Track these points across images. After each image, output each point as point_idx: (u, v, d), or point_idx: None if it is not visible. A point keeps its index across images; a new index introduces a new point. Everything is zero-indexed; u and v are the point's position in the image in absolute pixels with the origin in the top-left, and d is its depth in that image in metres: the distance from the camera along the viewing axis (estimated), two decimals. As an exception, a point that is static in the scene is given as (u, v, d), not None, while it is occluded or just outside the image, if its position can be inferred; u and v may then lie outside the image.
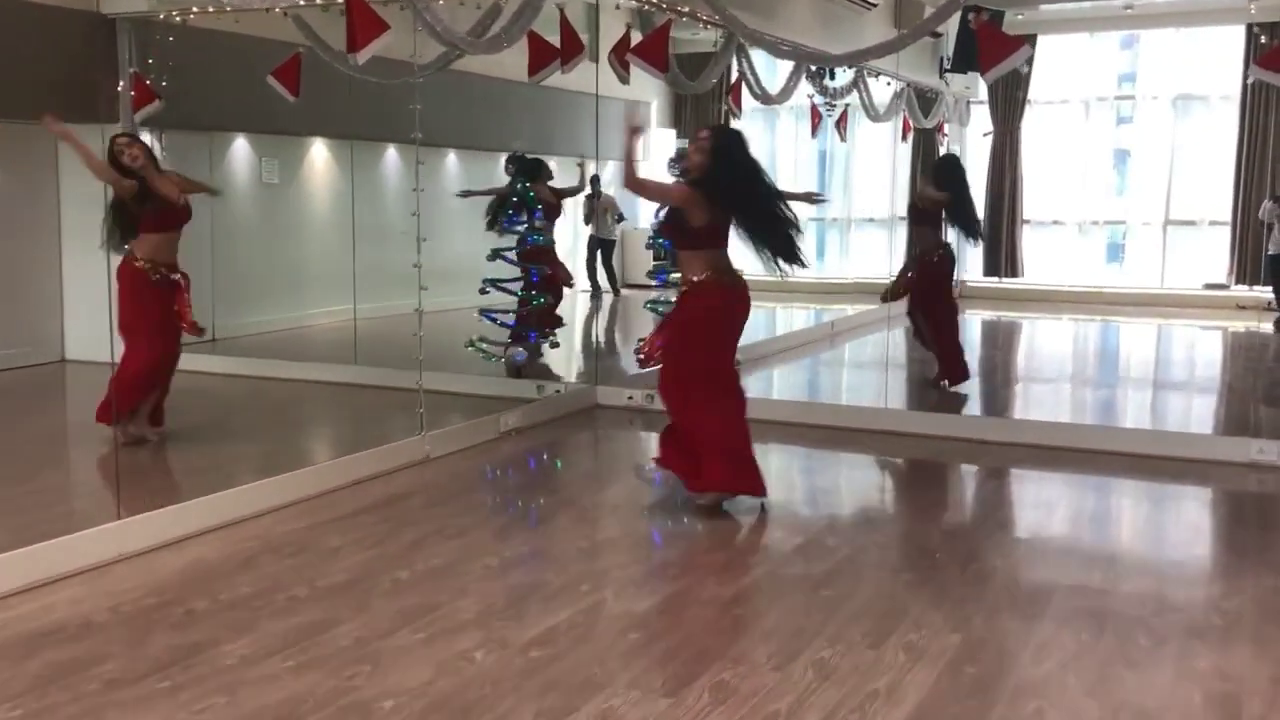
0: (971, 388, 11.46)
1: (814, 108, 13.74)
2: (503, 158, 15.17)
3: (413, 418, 8.11)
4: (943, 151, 18.14)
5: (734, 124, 12.44)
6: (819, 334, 14.21)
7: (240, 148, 13.16)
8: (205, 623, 5.01)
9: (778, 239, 6.42)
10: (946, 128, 18.19)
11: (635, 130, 6.60)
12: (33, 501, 6.82)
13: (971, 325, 17.26)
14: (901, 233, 18.38)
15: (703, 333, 6.56)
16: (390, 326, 12.77)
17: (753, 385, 10.98)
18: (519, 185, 10.14)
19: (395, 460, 7.65)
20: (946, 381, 10.43)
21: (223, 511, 6.44)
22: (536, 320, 10.48)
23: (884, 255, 19.04)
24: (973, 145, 19.44)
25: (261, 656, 4.65)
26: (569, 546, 6.13)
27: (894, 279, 10.77)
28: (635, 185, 6.54)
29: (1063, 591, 5.45)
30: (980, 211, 18.80)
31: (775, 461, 8.45)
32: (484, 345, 10.11)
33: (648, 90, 15.08)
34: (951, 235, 10.97)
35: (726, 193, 6.36)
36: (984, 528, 6.60)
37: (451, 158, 15.54)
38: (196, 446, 8.07)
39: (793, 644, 4.77)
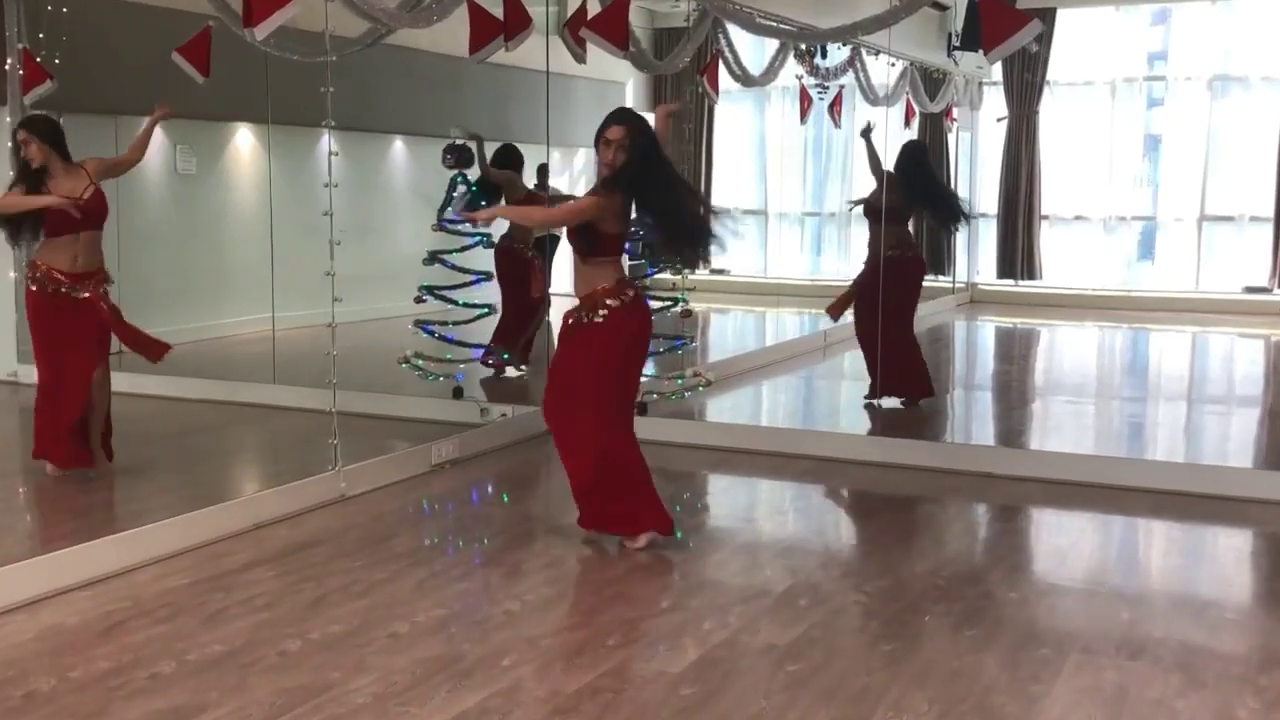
0: (981, 408, 11.11)
1: (803, 90, 13.40)
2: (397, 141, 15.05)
3: (324, 448, 7.71)
4: (951, 139, 17.91)
5: (730, 110, 12.06)
6: (810, 345, 13.83)
7: (157, 137, 12.73)
8: (44, 710, 4.60)
9: (685, 224, 6.40)
10: (956, 112, 17.91)
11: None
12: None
13: (983, 333, 16.97)
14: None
15: (627, 357, 6.50)
16: (319, 338, 12.42)
17: (730, 407, 10.64)
18: (455, 178, 9.75)
19: (304, 500, 7.26)
20: (906, 400, 10.13)
21: (92, 565, 6.05)
22: (503, 337, 10.21)
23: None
24: (985, 132, 19.21)
25: (107, 753, 4.25)
26: (494, 609, 5.74)
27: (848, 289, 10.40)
28: (543, 222, 6.28)
29: (1074, 664, 5.07)
30: (994, 206, 18.75)
31: (746, 498, 8.10)
32: (419, 362, 9.71)
33: (619, 70, 14.72)
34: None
35: (639, 183, 6.28)
36: (985, 580, 6.22)
37: (398, 144, 15.19)
38: (71, 484, 7.65)
39: (747, 736, 4.38)
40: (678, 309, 9.47)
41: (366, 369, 10.93)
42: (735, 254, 18.75)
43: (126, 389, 10.45)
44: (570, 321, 6.46)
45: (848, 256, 19.07)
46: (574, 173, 16.23)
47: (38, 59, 10.86)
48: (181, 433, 9.45)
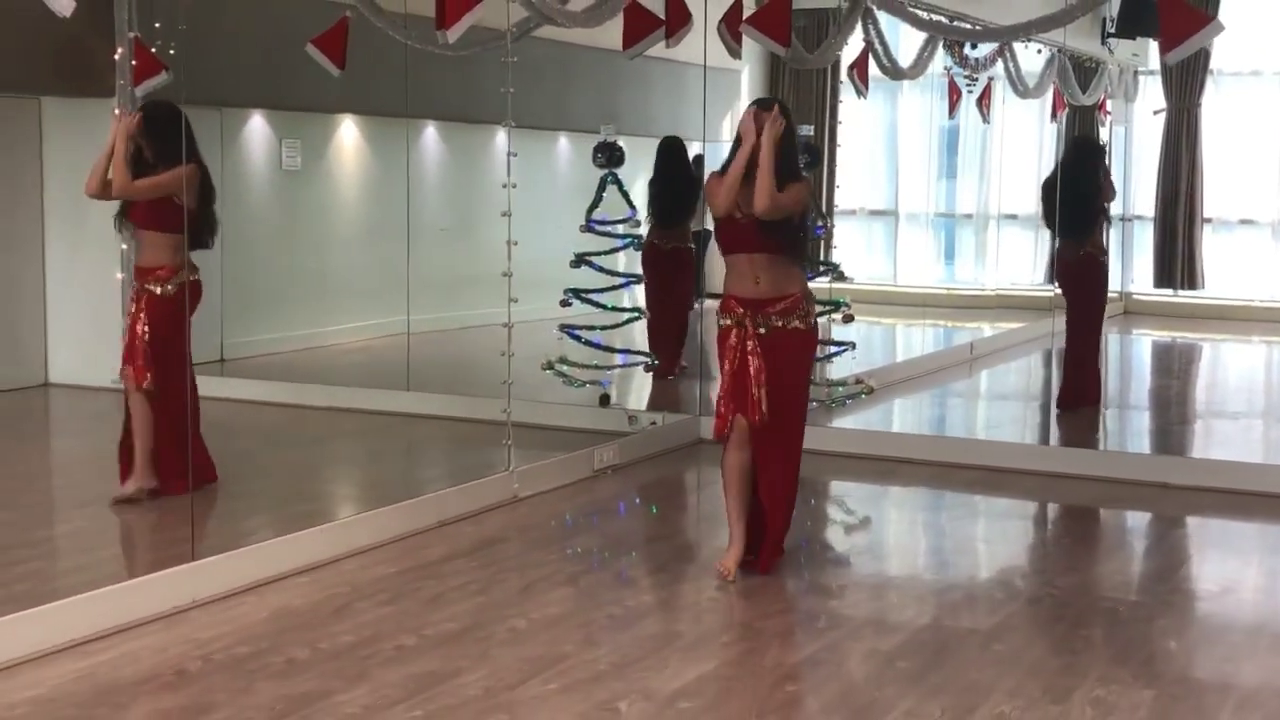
0: (1140, 424, 12.22)
1: (952, 82, 14.43)
2: (561, 138, 16.20)
3: (488, 452, 8.96)
4: (1104, 135, 18.69)
5: (858, 104, 13.18)
6: (955, 358, 14.95)
7: (256, 127, 13.93)
8: (310, 671, 5.85)
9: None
10: (1110, 104, 18.66)
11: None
12: (73, 544, 7.74)
13: (1139, 347, 17.93)
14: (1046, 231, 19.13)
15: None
16: (438, 344, 13.69)
17: (884, 418, 11.81)
18: (605, 177, 10.91)
19: (482, 499, 8.49)
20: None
21: (303, 554, 7.30)
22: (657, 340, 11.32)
23: (1029, 262, 19.69)
24: (1141, 126, 19.85)
25: (384, 706, 5.49)
26: (700, 596, 6.97)
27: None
28: (774, 204, 7.10)
29: (1267, 645, 6.24)
30: (1151, 208, 19.50)
31: (918, 505, 9.27)
32: (564, 368, 10.89)
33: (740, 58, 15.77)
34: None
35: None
36: (1166, 583, 7.38)
37: (500, 138, 16.31)
38: (245, 482, 8.91)
39: (967, 699, 5.57)
40: (839, 314, 10.66)
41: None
42: (860, 258, 19.70)
43: (235, 395, 11.68)
44: (760, 330, 7.18)
45: (983, 263, 19.91)
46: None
47: (152, 49, 11.90)
48: (324, 438, 10.70)
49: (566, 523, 8.43)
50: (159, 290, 8.36)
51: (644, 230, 11.24)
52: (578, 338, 11.00)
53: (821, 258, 11.42)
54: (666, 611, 6.79)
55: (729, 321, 7.24)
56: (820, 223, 11.10)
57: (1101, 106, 18.26)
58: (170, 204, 8.30)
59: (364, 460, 10.21)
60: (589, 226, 10.99)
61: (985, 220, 19.74)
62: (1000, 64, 15.28)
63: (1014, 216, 19.71)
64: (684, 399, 11.57)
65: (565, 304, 10.97)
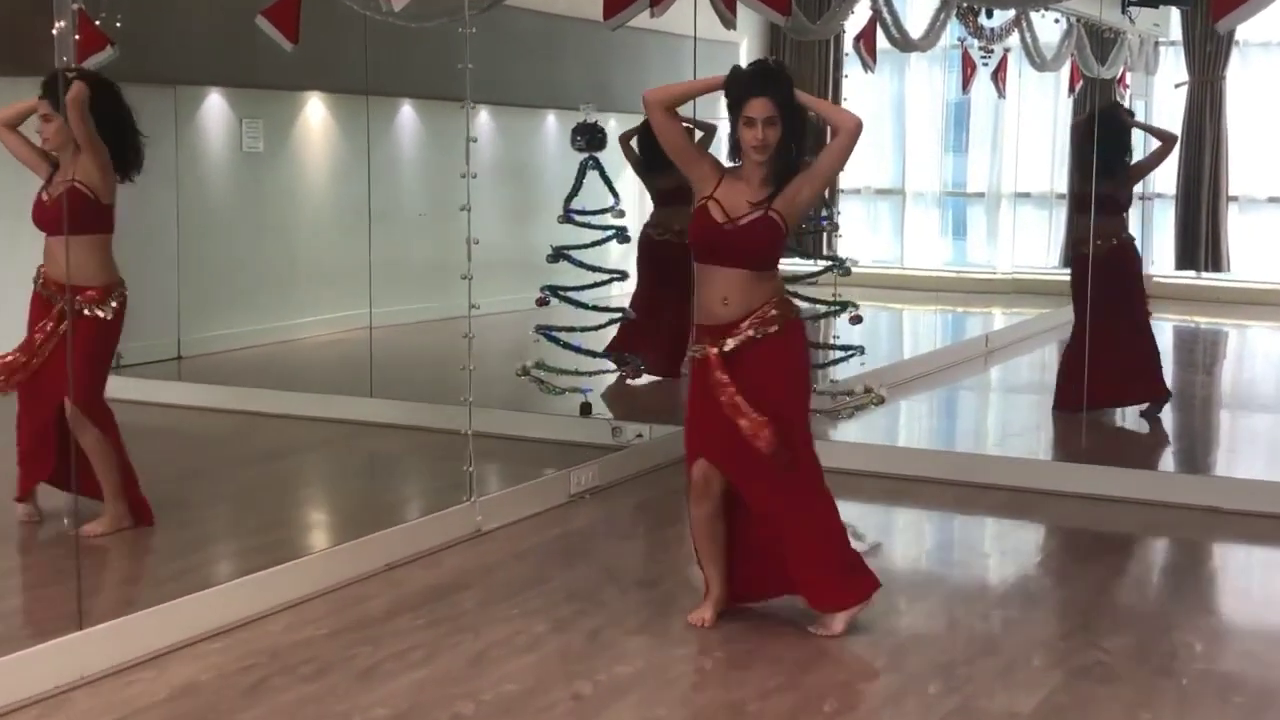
0: (1172, 426, 11.12)
1: (966, 55, 13.44)
2: (550, 117, 15.18)
3: (452, 472, 7.85)
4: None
5: (864, 78, 12.11)
6: (969, 352, 13.85)
7: (214, 106, 13.01)
8: (206, 780, 4.74)
9: None
10: (1130, 78, 17.75)
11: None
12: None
13: (1160, 334, 16.84)
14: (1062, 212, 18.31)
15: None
16: (411, 340, 12.65)
17: (894, 427, 10.71)
18: (585, 162, 9.86)
19: (438, 536, 7.39)
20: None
21: (221, 613, 6.19)
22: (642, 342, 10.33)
23: (1043, 244, 18.79)
24: (1162, 100, 18.98)
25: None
26: (685, 666, 5.85)
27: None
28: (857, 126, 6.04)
29: None
30: (1173, 186, 18.56)
31: (939, 536, 8.20)
32: (541, 374, 9.83)
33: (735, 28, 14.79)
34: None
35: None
36: (1242, 638, 6.27)
37: (484, 116, 15.33)
38: (169, 517, 7.79)
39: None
40: (847, 314, 9.55)
41: (478, 378, 11.10)
42: (865, 241, 18.79)
43: (190, 401, 10.68)
44: (727, 349, 6.06)
45: (996, 245, 19.05)
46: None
47: (96, 22, 10.95)
48: (275, 455, 9.61)
49: (535, 564, 7.28)
50: (96, 313, 7.24)
51: (625, 221, 10.07)
52: (556, 340, 9.91)
53: (825, 250, 10.19)
54: (646, 688, 5.63)
55: (693, 354, 6.22)
56: (825, 212, 9.96)
57: (1120, 80, 17.45)
58: (85, 199, 7.14)
59: (309, 487, 9.05)
60: (567, 217, 9.92)
61: (997, 199, 19.11)
62: (1017, 35, 14.30)
63: (1027, 195, 19.10)
64: (675, 408, 10.35)
65: (543, 302, 9.91)
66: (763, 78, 5.99)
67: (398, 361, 11.61)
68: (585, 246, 9.92)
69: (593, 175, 9.91)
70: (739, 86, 5.99)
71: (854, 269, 10.03)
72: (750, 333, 6.02)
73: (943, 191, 19.52)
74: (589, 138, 9.84)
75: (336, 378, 11.52)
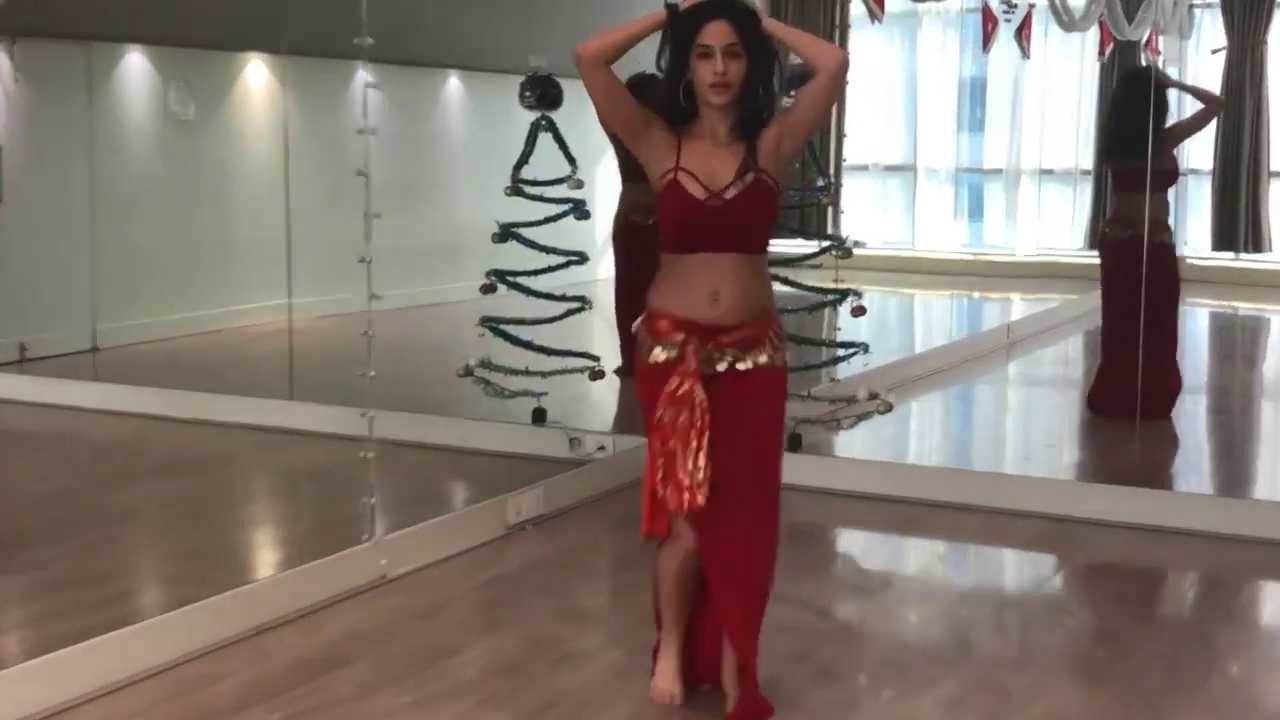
0: (1192, 433, 9.56)
1: (987, 10, 11.85)
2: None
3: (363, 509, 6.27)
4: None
5: (872, 37, 10.50)
6: (989, 344, 12.24)
7: (134, 66, 11.57)
8: None
9: None
10: (1161, 41, 16.33)
11: None
12: None
13: (1195, 320, 15.30)
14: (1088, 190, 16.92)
15: None
16: (351, 331, 11.10)
17: (903, 436, 9.14)
18: (537, 122, 8.26)
19: (327, 588, 5.81)
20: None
21: (35, 695, 4.69)
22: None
23: (1068, 222, 17.35)
24: (1196, 67, 17.50)
25: None
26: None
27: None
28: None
29: None
30: (1209, 160, 17.11)
31: (966, 577, 6.63)
32: (488, 373, 8.25)
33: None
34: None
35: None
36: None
37: (454, 82, 13.81)
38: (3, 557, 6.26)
39: None
40: (848, 303, 7.88)
41: (415, 378, 9.60)
42: (873, 222, 17.31)
43: (95, 403, 9.28)
44: (712, 368, 4.66)
45: (1014, 226, 17.70)
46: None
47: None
48: (167, 470, 8.10)
49: (447, 627, 5.69)
50: None
51: (585, 193, 8.43)
52: (505, 334, 8.30)
53: (828, 229, 8.56)
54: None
55: (662, 355, 4.64)
56: (822, 182, 8.31)
57: (1149, 44, 15.98)
58: None
59: (187, 517, 7.30)
60: (515, 188, 8.32)
61: (1017, 176, 17.79)
62: None
63: (1049, 172, 17.83)
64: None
65: (488, 289, 8.32)
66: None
67: (330, 358, 10.08)
68: (537, 224, 8.31)
69: (546, 139, 8.27)
70: (691, 11, 4.54)
71: (861, 251, 8.46)
72: (753, 359, 4.70)
73: (958, 168, 18.24)
74: (539, 93, 8.18)
75: (263, 376, 10.00)
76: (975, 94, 18.38)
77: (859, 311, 7.83)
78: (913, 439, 9.28)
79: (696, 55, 4.50)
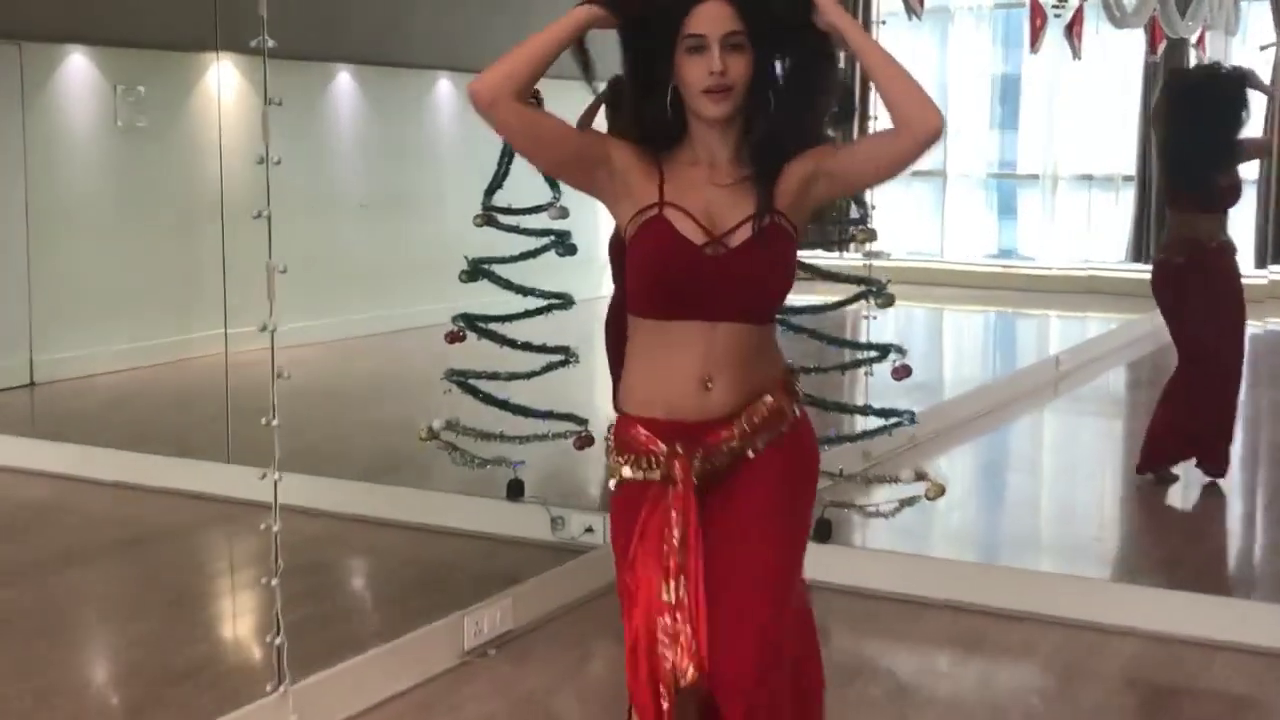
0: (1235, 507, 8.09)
1: (1035, 5, 10.39)
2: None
3: (315, 602, 4.82)
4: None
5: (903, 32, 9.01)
6: (1035, 379, 10.73)
7: (77, 69, 10.31)
8: None
9: None
10: (1208, 38, 15.01)
11: None
12: None
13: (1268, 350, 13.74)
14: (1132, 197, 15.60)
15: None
16: (322, 363, 9.89)
17: (933, 517, 7.58)
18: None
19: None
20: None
21: None
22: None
23: (1111, 232, 16.03)
24: (1243, 63, 16.15)
25: None
26: None
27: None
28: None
29: None
30: (1255, 167, 15.68)
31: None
32: (454, 437, 6.76)
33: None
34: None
35: None
36: None
37: (444, 84, 12.44)
38: None
39: None
40: (891, 361, 6.31)
41: (375, 430, 8.27)
42: (900, 230, 15.92)
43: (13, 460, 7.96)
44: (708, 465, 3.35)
45: (1053, 235, 16.40)
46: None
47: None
48: (89, 560, 6.62)
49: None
50: None
51: (569, 224, 6.92)
52: (475, 391, 6.82)
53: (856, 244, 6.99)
54: None
55: (635, 474, 3.34)
56: (859, 211, 6.74)
57: (1199, 41, 14.73)
58: None
59: (52, 648, 5.73)
60: (487, 217, 6.85)
61: (1054, 181, 16.70)
62: None
63: (1089, 177, 16.57)
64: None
65: (456, 338, 6.85)
66: None
67: (298, 401, 8.73)
68: (512, 260, 6.81)
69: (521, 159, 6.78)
70: None
71: (885, 263, 6.93)
72: (763, 439, 3.37)
73: (991, 173, 17.19)
74: (516, 101, 6.72)
75: (202, 423, 8.52)
76: (1009, 93, 17.20)
77: (903, 374, 6.27)
78: (956, 515, 7.57)
79: (684, 50, 3.20)
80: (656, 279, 3.29)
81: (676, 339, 3.28)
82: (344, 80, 11.81)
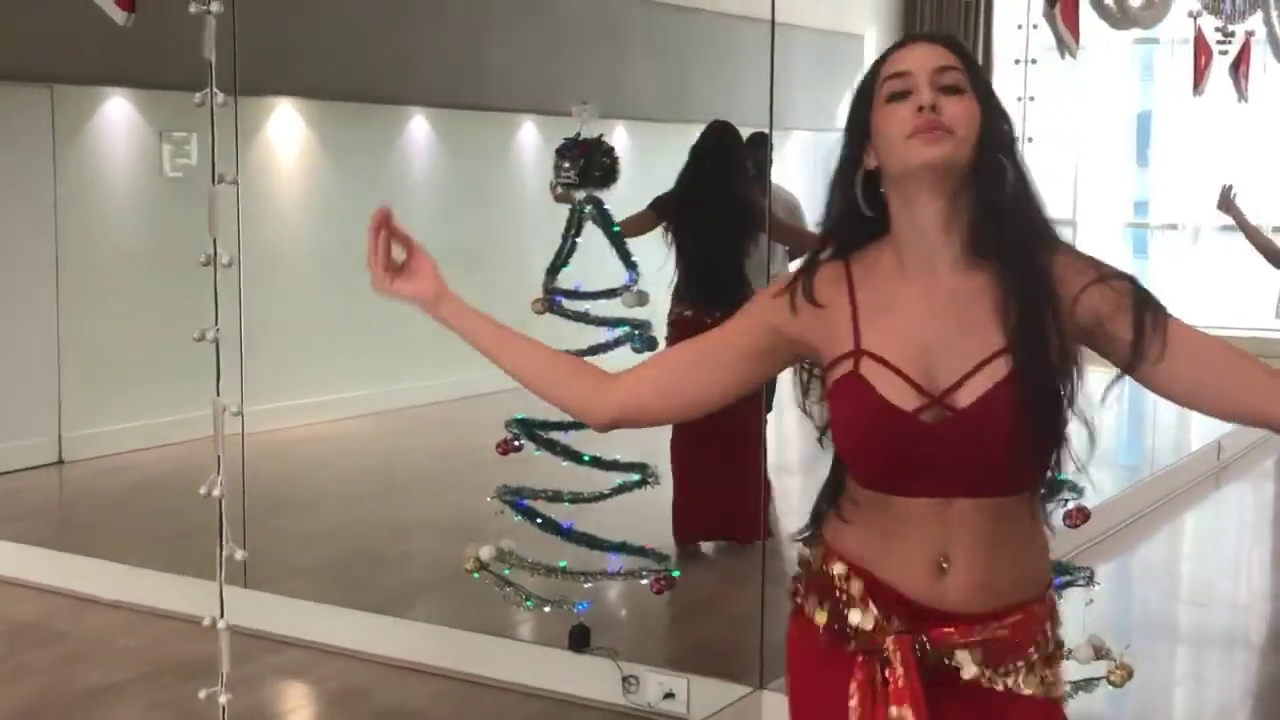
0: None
1: (1200, 39, 8.95)
2: (619, 128, 10.87)
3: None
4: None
5: (1066, 63, 7.56)
6: (1194, 472, 9.17)
7: (117, 114, 9.18)
8: None
9: None
10: None
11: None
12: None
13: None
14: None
15: None
16: (381, 439, 8.81)
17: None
18: (579, 210, 5.41)
19: None
20: None
21: None
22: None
23: (1263, 288, 14.48)
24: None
25: None
26: None
27: None
28: None
29: None
30: None
31: None
32: (507, 571, 5.40)
33: (855, 18, 12.12)
34: None
35: None
36: None
37: (529, 127, 11.23)
38: None
39: None
40: (1065, 506, 4.71)
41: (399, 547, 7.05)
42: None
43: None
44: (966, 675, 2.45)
45: (1199, 292, 14.84)
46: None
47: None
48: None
49: None
50: None
51: (649, 311, 5.59)
52: (534, 517, 5.45)
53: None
54: None
55: (833, 622, 2.51)
56: None
57: None
58: None
59: None
60: (551, 302, 5.48)
61: (1197, 232, 15.20)
62: (1260, 13, 9.89)
63: (1229, 228, 14.87)
64: (740, 644, 5.73)
65: (509, 448, 5.48)
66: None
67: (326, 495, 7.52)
68: (583, 354, 5.44)
69: (594, 232, 5.42)
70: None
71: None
72: (1005, 680, 2.46)
73: (1127, 222, 15.57)
74: (582, 165, 5.29)
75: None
76: (1144, 136, 15.69)
77: (1079, 518, 4.73)
78: (1151, 695, 5.87)
79: (883, 99, 2.41)
80: (861, 453, 2.47)
81: (899, 512, 2.44)
82: (418, 125, 10.61)
